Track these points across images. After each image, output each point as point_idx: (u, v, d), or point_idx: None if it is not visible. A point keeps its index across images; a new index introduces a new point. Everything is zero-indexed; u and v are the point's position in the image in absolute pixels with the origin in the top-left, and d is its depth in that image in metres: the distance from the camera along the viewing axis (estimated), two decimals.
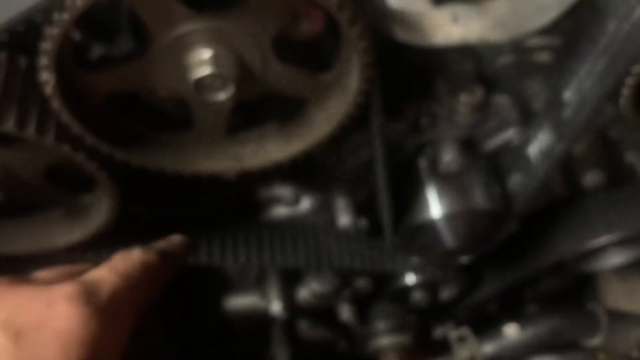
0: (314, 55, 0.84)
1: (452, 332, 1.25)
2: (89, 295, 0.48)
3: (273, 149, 0.85)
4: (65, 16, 0.59)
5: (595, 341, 1.20)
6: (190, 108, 0.79)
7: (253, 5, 0.67)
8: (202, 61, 0.69)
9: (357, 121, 0.91)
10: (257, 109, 0.86)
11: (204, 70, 0.69)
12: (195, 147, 0.84)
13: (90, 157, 0.78)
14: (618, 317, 1.23)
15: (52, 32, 0.61)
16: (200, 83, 0.70)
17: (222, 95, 0.71)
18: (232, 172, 0.85)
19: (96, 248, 0.99)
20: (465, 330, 1.24)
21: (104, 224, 0.92)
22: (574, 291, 1.50)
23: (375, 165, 0.93)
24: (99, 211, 0.91)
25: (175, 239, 0.81)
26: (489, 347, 1.24)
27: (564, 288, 1.48)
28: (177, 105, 0.83)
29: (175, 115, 0.85)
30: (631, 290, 1.50)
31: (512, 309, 1.47)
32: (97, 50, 0.77)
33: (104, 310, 0.48)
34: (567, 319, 1.22)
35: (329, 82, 0.79)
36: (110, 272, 0.55)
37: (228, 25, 0.69)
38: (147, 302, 0.61)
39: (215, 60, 0.69)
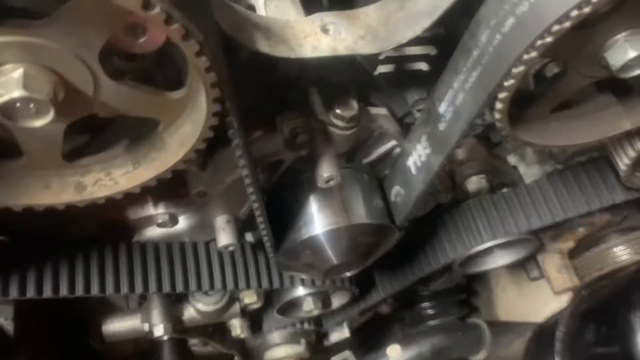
0: (166, 71, 0.69)
1: (335, 357, 1.15)
2: None
3: (121, 176, 0.70)
4: None
5: (481, 356, 1.14)
6: (13, 134, 0.63)
7: (64, 17, 0.51)
8: (8, 82, 0.53)
9: (224, 138, 0.79)
10: (101, 130, 0.71)
11: (12, 93, 0.53)
12: (29, 176, 0.68)
13: None
14: (500, 330, 1.18)
15: None
16: (9, 107, 0.54)
17: (40, 121, 0.56)
18: (75, 204, 0.70)
19: None
20: (347, 354, 1.15)
21: None
22: (465, 288, 1.46)
23: (246, 187, 0.80)
24: None
25: None
26: None
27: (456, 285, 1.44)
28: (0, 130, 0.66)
29: (2, 142, 0.68)
30: (519, 282, 1.48)
31: (405, 308, 1.42)
32: None
33: None
34: (449, 338, 1.16)
35: (179, 101, 0.65)
36: None
37: (39, 40, 0.53)
38: None
39: (25, 80, 0.53)
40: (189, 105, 0.65)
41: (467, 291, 1.52)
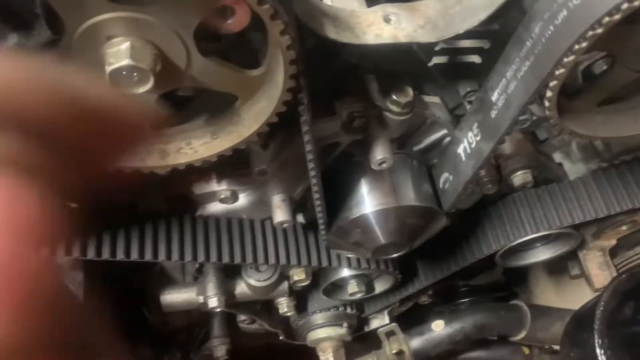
0: (245, 51, 0.77)
1: (382, 328, 1.21)
2: None
3: (200, 145, 0.78)
4: None
5: (520, 336, 1.18)
6: None
7: None
8: (118, 52, 0.62)
9: (290, 118, 0.86)
10: (185, 104, 0.79)
11: (120, 62, 0.62)
12: None
13: None
14: (540, 312, 1.22)
15: None
16: (116, 74, 0.63)
17: (141, 89, 0.64)
18: (157, 168, 0.78)
19: None
20: (393, 326, 1.21)
21: None
22: (504, 287, 1.50)
23: (307, 163, 0.87)
24: None
25: None
26: (416, 342, 1.21)
27: (495, 283, 1.48)
28: None
29: None
30: (558, 283, 1.51)
31: (444, 302, 1.46)
32: (10, 39, 0.69)
33: None
34: (492, 316, 1.20)
35: (257, 78, 0.73)
36: None
37: (146, 17, 0.62)
38: None
39: (132, 51, 0.62)
40: (265, 82, 0.73)
41: (506, 291, 1.56)
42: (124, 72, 0.63)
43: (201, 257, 1.04)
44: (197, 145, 0.78)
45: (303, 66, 0.68)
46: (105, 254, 0.98)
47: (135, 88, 0.65)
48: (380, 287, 1.33)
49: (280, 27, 0.60)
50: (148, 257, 1.00)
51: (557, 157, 1.24)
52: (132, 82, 0.64)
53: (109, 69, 0.62)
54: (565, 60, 0.71)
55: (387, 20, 0.82)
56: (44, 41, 0.68)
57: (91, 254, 0.97)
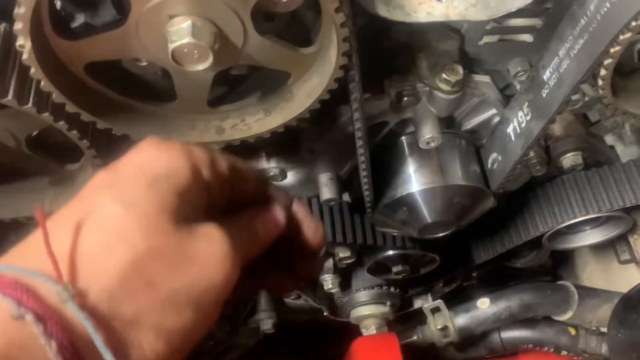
0: (297, 30, 0.80)
1: (427, 304, 1.23)
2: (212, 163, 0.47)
3: (254, 122, 0.81)
4: None
5: (567, 316, 1.18)
6: (172, 79, 0.75)
7: None
8: (180, 30, 0.65)
9: (339, 96, 0.88)
10: (239, 82, 0.82)
11: (182, 39, 0.65)
12: (178, 118, 0.81)
13: (72, 125, 0.75)
14: (588, 294, 1.21)
15: None
16: (178, 52, 0.66)
17: (201, 66, 0.68)
18: (214, 144, 0.82)
19: None
20: (439, 302, 1.22)
21: None
22: (550, 271, 1.49)
23: (355, 140, 0.89)
24: (84, 180, 0.88)
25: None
26: (461, 319, 1.22)
27: (542, 267, 1.48)
28: (161, 77, 0.80)
29: (159, 86, 0.81)
30: (606, 268, 1.48)
31: (489, 286, 1.46)
32: (78, 19, 0.73)
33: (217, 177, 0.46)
34: (538, 295, 1.20)
35: (310, 56, 0.75)
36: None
37: None
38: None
39: (193, 30, 0.65)
40: (318, 59, 0.75)
41: (552, 275, 1.55)
42: (185, 50, 0.66)
43: None
44: (251, 122, 0.81)
45: (355, 44, 0.70)
46: None
47: (196, 65, 0.68)
48: (426, 267, 1.34)
49: (335, 5, 0.62)
50: None
51: (609, 139, 1.21)
52: (193, 59, 0.67)
53: (171, 46, 0.66)
54: (621, 37, 0.71)
55: None
56: (109, 21, 0.72)
57: None
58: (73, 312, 0.36)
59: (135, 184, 0.42)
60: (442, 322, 1.20)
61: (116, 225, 0.40)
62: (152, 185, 0.42)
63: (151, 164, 0.43)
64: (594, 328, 1.18)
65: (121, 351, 0.37)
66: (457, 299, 1.30)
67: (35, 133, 0.82)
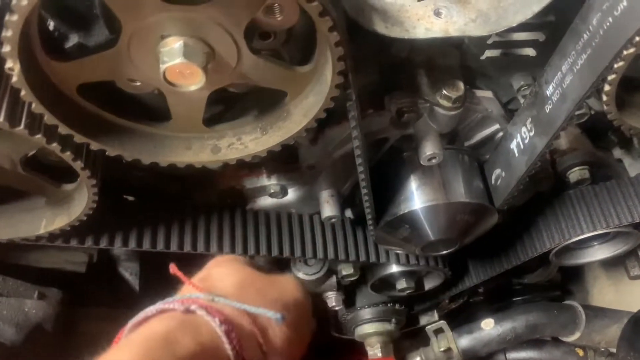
0: (294, 48, 0.78)
1: (430, 325, 1.20)
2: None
3: (251, 141, 0.80)
4: (24, 2, 0.55)
5: (574, 337, 1.15)
6: (166, 99, 0.74)
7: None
8: (172, 51, 0.64)
9: (337, 114, 0.87)
10: (235, 101, 0.81)
11: (174, 60, 0.64)
12: (173, 138, 0.80)
13: (65, 147, 0.74)
14: (596, 314, 1.18)
15: (12, 19, 0.56)
16: (171, 72, 0.65)
17: (194, 86, 0.66)
18: (209, 164, 0.81)
19: (80, 236, 0.96)
20: (441, 323, 1.19)
21: (85, 213, 0.88)
22: (559, 286, 1.46)
23: (355, 158, 0.88)
24: (80, 200, 0.87)
25: None
26: (465, 340, 1.19)
27: (550, 282, 1.44)
28: (155, 97, 0.78)
29: (154, 106, 0.80)
30: (617, 283, 1.45)
31: (497, 301, 1.43)
32: (72, 39, 0.72)
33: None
34: (544, 315, 1.17)
35: (306, 75, 0.74)
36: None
37: (198, 16, 0.63)
38: None
39: (185, 50, 0.64)
40: (314, 78, 0.73)
41: (561, 290, 1.51)
42: (177, 70, 0.65)
43: (251, 250, 1.06)
44: (247, 141, 0.80)
45: (351, 62, 0.68)
46: (160, 246, 1.01)
47: (188, 85, 0.67)
48: (430, 284, 1.32)
49: (328, 24, 0.61)
50: (201, 249, 1.03)
51: (617, 153, 1.19)
52: (185, 79, 0.66)
53: (163, 67, 0.65)
54: (625, 53, 0.69)
55: (437, 13, 0.81)
56: (102, 41, 0.71)
57: (146, 246, 1.01)
58: (220, 305, 0.62)
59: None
60: (445, 343, 1.17)
61: (226, 271, 0.71)
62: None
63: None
64: (602, 349, 1.15)
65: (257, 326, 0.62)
66: (461, 318, 1.27)
67: (30, 154, 0.81)
